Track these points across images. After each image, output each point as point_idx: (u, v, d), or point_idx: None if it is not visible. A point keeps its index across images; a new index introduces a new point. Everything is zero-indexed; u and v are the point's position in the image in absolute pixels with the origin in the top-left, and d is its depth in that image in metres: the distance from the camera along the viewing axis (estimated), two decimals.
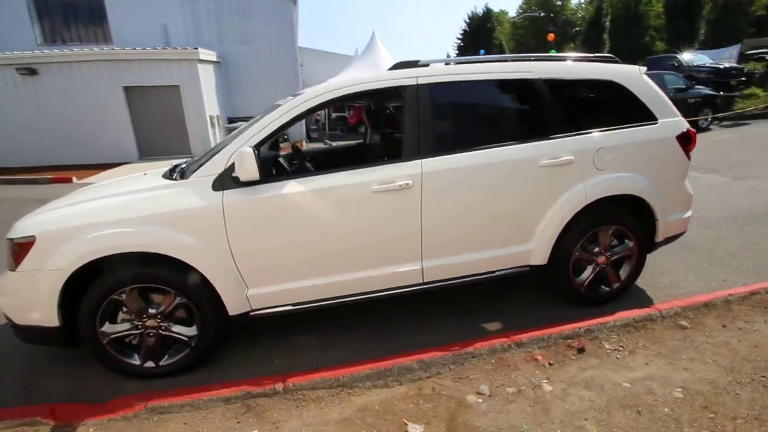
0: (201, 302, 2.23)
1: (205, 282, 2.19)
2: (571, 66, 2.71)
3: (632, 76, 2.76)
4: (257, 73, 15.87)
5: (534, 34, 36.55)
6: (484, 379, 2.14)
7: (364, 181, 2.28)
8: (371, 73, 2.40)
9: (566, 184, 2.58)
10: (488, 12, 39.43)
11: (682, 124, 2.82)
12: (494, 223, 2.55)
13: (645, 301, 2.97)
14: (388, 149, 3.14)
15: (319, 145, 15.35)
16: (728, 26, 26.41)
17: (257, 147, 2.19)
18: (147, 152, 13.28)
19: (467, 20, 40.05)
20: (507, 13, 43.66)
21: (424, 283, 2.54)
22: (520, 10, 41.24)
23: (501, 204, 2.52)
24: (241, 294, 2.28)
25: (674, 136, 2.77)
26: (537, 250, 2.65)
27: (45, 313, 2.12)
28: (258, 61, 15.93)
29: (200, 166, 2.27)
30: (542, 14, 37.05)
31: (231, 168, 2.16)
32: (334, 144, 14.63)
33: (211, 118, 13.78)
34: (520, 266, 2.69)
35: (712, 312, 2.66)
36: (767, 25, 27.04)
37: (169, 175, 2.50)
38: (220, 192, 2.17)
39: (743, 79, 14.07)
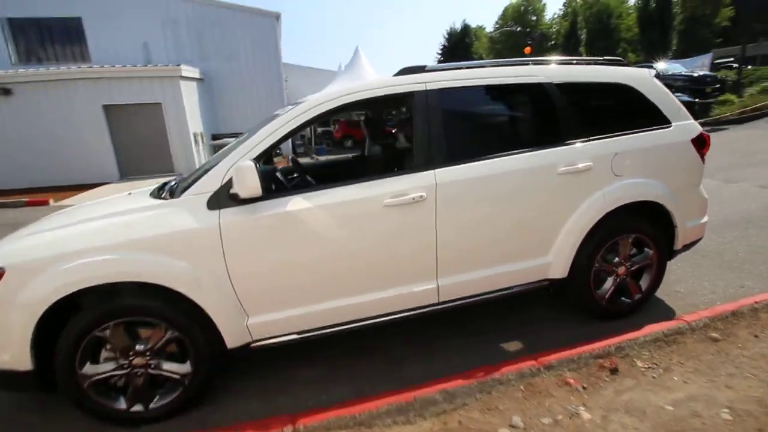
0: (196, 335, 1.98)
1: (200, 312, 1.95)
2: (583, 69, 2.60)
3: (643, 78, 2.67)
4: (242, 89, 15.69)
5: (511, 48, 37.45)
6: (516, 408, 1.94)
7: (375, 194, 2.09)
8: (375, 80, 2.24)
9: (585, 192, 2.45)
10: (466, 27, 40.32)
11: (696, 127, 2.73)
12: (512, 236, 2.38)
13: (666, 311, 2.83)
14: (391, 160, 2.98)
15: (315, 158, 15.23)
16: (696, 37, 27.52)
17: (257, 160, 1.99)
18: (128, 172, 12.86)
19: (446, 36, 40.84)
20: (484, 28, 44.68)
21: (439, 303, 2.35)
22: (497, 25, 42.31)
23: (519, 215, 2.36)
24: (241, 324, 2.05)
25: (689, 139, 2.67)
26: (556, 263, 2.49)
27: (16, 355, 1.85)
28: (242, 77, 15.76)
29: (193, 182, 2.04)
30: (518, 29, 38.10)
31: (228, 184, 1.95)
32: (321, 158, 14.47)
33: (195, 135, 13.47)
34: (539, 281, 2.53)
35: (741, 322, 2.53)
36: (732, 36, 28.30)
37: (157, 193, 2.26)
38: (217, 211, 1.95)
39: (717, 86, 14.54)
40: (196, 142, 13.61)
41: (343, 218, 2.07)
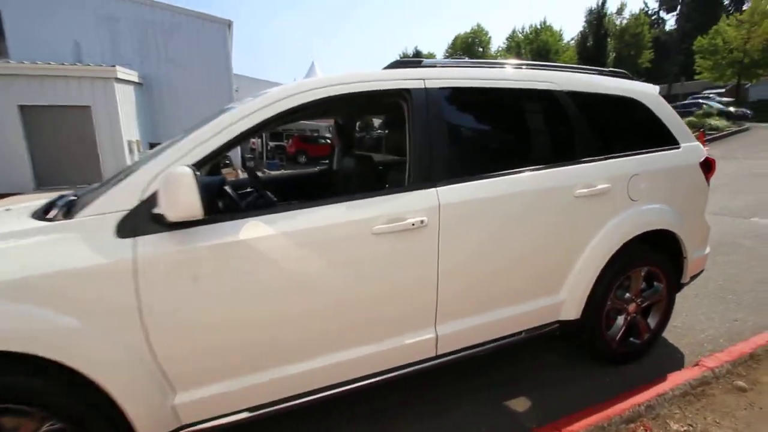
0: (90, 426, 1.31)
1: (98, 392, 1.29)
2: (592, 79, 2.29)
3: (652, 95, 2.42)
4: (186, 97, 14.52)
5: None
6: None
7: (362, 218, 1.56)
8: (361, 71, 1.75)
9: (602, 219, 2.09)
10: (418, 54, 41.57)
11: (702, 150, 2.51)
12: (524, 270, 1.96)
13: (672, 352, 2.54)
14: (371, 176, 2.46)
15: (267, 173, 14.26)
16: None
17: (198, 167, 1.40)
18: (46, 181, 11.22)
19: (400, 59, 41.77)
20: (435, 55, 46.41)
21: (437, 357, 1.84)
22: (447, 54, 44.08)
23: (532, 244, 1.94)
24: (165, 404, 1.40)
25: (698, 162, 2.44)
26: (570, 302, 2.09)
27: None
28: (187, 84, 14.64)
29: (97, 197, 1.39)
30: (466, 58, 39.98)
31: (151, 200, 1.33)
32: (273, 173, 13.64)
33: (130, 143, 12.14)
34: (549, 323, 2.11)
35: (761, 365, 2.27)
36: (653, 76, 31.46)
37: (42, 213, 1.54)
38: (131, 240, 1.31)
39: None
40: (131, 150, 12.25)
41: (319, 250, 1.52)
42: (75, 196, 1.68)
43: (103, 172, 11.53)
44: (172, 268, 1.33)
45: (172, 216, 1.24)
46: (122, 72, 11.89)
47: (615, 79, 2.40)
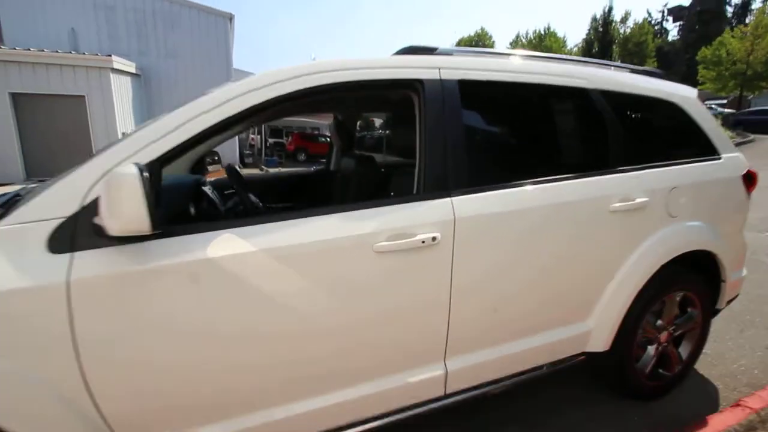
0: None
1: None
2: (627, 78, 2.02)
3: (691, 99, 2.15)
4: (185, 90, 14.18)
5: None
6: None
7: (362, 233, 1.28)
8: (366, 58, 1.47)
9: (638, 237, 1.82)
10: None
11: (744, 162, 2.24)
12: (550, 294, 1.68)
13: (705, 385, 2.26)
14: (372, 179, 2.18)
15: (265, 170, 13.91)
16: None
17: (155, 166, 1.11)
18: (37, 172, 10.87)
19: None
20: None
21: (445, 396, 1.56)
22: None
23: (559, 264, 1.67)
24: None
25: (740, 175, 2.17)
26: (598, 332, 1.82)
27: None
28: (186, 76, 14.33)
29: (30, 200, 1.10)
30: None
31: (92, 208, 1.05)
32: (272, 171, 13.35)
33: (125, 135, 11.79)
34: (574, 355, 1.84)
35: None
36: None
37: None
38: (66, 256, 1.03)
39: None
40: None
41: (307, 272, 1.23)
42: (18, 195, 1.40)
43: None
44: (116, 292, 1.05)
45: (112, 229, 0.95)
46: (118, 62, 11.58)
47: (650, 78, 2.13)
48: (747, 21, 29.15)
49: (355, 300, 1.31)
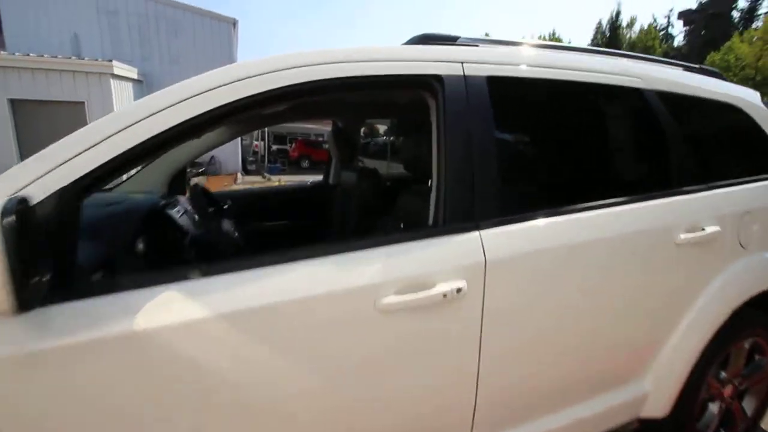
0: None
1: None
2: (687, 78, 1.67)
3: (756, 104, 1.79)
4: None
5: None
6: None
7: (362, 285, 0.94)
8: (370, 47, 1.14)
9: (706, 275, 1.46)
10: None
11: None
12: (600, 352, 1.33)
13: None
14: (376, 201, 1.84)
15: (267, 178, 13.61)
16: None
17: (65, 197, 0.77)
18: None
19: None
20: None
21: None
22: None
23: (613, 315, 1.31)
24: None
25: None
26: (657, 394, 1.45)
27: None
28: None
29: None
30: None
31: None
32: (274, 179, 13.07)
33: None
34: (625, 424, 1.47)
35: None
36: None
37: None
38: None
39: None
40: None
41: (285, 343, 0.89)
42: None
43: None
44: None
45: None
46: (119, 68, 11.39)
47: (710, 79, 1.78)
48: (754, 26, 28.76)
49: (350, 377, 0.96)
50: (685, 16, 19.19)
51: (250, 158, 17.74)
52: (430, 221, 1.13)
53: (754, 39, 24.75)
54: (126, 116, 0.89)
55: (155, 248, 1.17)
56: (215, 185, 11.48)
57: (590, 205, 1.26)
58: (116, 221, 1.17)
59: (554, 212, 1.20)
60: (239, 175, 14.80)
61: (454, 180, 1.10)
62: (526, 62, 1.27)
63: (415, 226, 1.23)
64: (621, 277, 1.29)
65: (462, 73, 1.17)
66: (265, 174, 14.68)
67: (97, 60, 11.22)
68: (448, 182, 1.10)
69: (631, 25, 36.94)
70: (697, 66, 1.84)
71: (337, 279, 0.92)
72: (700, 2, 29.58)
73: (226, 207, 2.33)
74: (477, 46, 1.28)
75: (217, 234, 1.34)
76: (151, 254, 1.13)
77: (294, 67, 1.00)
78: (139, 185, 2.13)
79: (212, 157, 14.96)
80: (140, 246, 1.11)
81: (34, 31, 12.84)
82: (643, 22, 36.57)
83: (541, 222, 1.17)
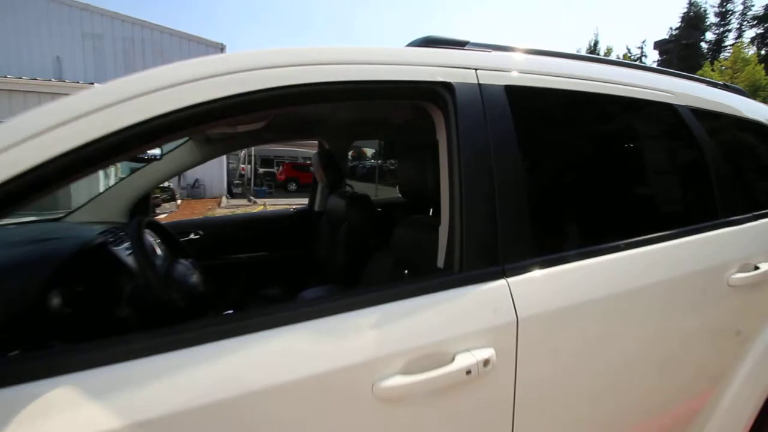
0: None
1: None
2: (716, 94, 1.50)
3: None
4: None
5: None
6: None
7: (348, 365, 0.67)
8: (365, 48, 0.92)
9: (762, 318, 1.23)
10: None
11: None
12: (649, 410, 1.07)
13: None
14: (372, 232, 1.60)
15: (252, 201, 13.23)
16: None
17: None
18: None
19: None
20: None
21: None
22: None
23: (659, 374, 1.07)
24: None
25: None
26: None
27: None
28: None
29: None
30: None
31: None
32: (260, 203, 12.73)
33: None
34: None
35: None
36: None
37: None
38: None
39: None
40: (107, 174, 11.31)
41: None
42: None
43: (73, 196, 10.52)
44: None
45: None
46: None
47: (736, 96, 1.62)
48: (723, 56, 30.27)
49: None
50: (660, 46, 20.00)
51: (236, 181, 17.42)
52: (440, 263, 0.89)
53: (723, 69, 25.85)
54: (50, 115, 0.63)
55: (78, 304, 0.88)
56: (198, 209, 11.10)
57: (635, 241, 1.03)
58: (23, 264, 0.89)
59: (594, 251, 0.96)
60: (224, 198, 14.45)
61: (472, 210, 0.86)
62: (550, 72, 1.07)
63: (418, 268, 0.98)
64: (673, 327, 1.05)
65: (476, 81, 0.96)
66: (251, 197, 14.34)
67: (78, 83, 10.95)
68: (464, 213, 0.86)
69: (608, 54, 38.50)
70: (720, 83, 1.68)
71: (317, 355, 0.66)
72: (671, 33, 31.02)
73: (194, 238, 2.06)
74: (489, 51, 1.07)
75: (167, 282, 1.05)
76: (69, 314, 0.84)
77: (273, 67, 0.76)
78: (94, 214, 1.85)
79: (196, 180, 14.62)
80: (55, 302, 0.83)
81: (15, 54, 12.58)
82: (618, 52, 38.17)
83: (580, 264, 0.93)
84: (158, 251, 1.18)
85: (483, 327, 0.77)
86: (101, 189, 2.06)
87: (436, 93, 0.92)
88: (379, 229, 1.72)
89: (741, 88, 1.75)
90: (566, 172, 1.10)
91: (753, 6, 30.40)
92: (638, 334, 1.00)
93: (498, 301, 0.80)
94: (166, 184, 2.28)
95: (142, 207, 1.98)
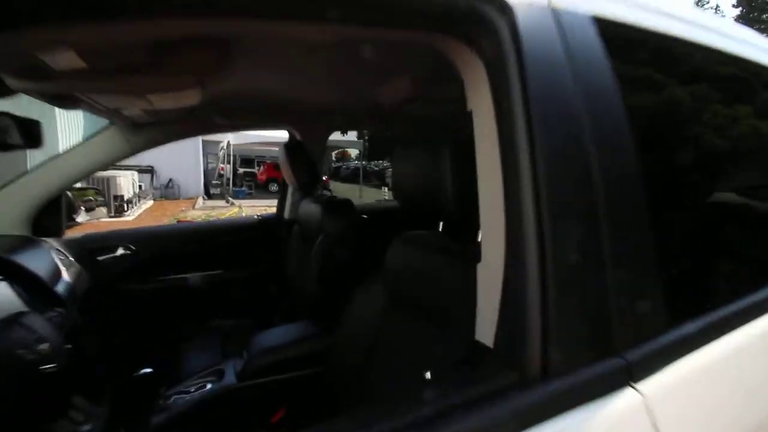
0: None
1: None
2: None
3: None
4: None
5: None
6: None
7: None
8: None
9: None
10: None
11: None
12: None
13: None
14: (357, 249, 1.16)
15: (230, 203, 12.49)
16: None
17: None
18: None
19: None
20: None
21: None
22: None
23: None
24: None
25: None
26: None
27: None
28: None
29: None
30: None
31: None
32: (238, 204, 12.09)
33: None
34: None
35: None
36: None
37: None
38: None
39: None
40: None
41: None
42: None
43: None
44: None
45: None
46: None
47: None
48: None
49: None
50: None
51: (215, 181, 16.68)
52: (483, 335, 0.46)
53: None
54: None
55: None
56: (170, 211, 10.42)
57: None
58: None
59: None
60: (200, 199, 13.76)
61: (562, 240, 0.43)
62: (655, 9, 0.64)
63: (428, 320, 0.55)
64: None
65: (548, 4, 0.53)
66: (229, 199, 13.68)
67: None
68: (548, 243, 0.43)
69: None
70: None
71: None
72: None
73: (124, 254, 1.58)
74: None
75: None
76: None
77: None
78: None
79: (170, 180, 13.89)
80: None
81: None
82: None
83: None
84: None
85: None
86: None
87: (479, 17, 0.49)
88: (366, 243, 1.28)
89: None
90: (719, 166, 0.68)
91: None
92: None
93: None
94: (136, 182, 1.78)
95: (52, 213, 1.49)
